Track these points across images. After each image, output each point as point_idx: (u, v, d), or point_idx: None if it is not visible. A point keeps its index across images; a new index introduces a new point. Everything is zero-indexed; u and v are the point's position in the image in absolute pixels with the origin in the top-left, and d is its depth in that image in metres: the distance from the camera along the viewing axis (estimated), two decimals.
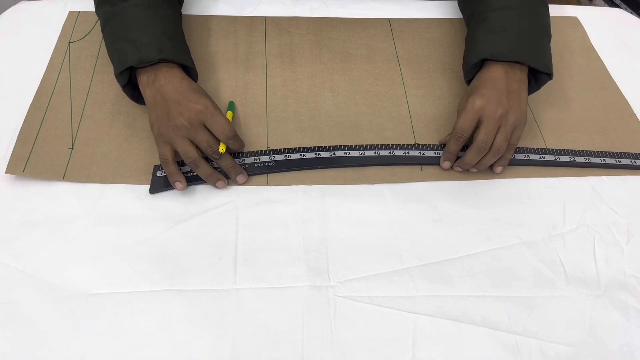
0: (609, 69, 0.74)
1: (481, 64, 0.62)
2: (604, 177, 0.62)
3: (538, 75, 0.62)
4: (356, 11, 0.79)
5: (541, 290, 0.53)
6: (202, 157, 0.56)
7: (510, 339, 0.49)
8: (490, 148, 0.57)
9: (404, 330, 0.49)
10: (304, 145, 0.62)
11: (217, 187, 0.58)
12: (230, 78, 0.69)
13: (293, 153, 0.61)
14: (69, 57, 0.69)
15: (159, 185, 0.57)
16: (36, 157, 0.58)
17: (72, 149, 0.60)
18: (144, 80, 0.58)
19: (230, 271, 0.52)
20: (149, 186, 0.57)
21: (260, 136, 0.63)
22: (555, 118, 0.68)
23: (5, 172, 0.57)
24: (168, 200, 0.57)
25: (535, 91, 0.64)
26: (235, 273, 0.52)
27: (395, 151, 0.62)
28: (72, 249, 0.52)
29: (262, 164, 0.60)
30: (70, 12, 0.75)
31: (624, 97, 0.71)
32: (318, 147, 0.62)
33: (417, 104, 0.68)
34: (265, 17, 0.77)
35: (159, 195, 0.57)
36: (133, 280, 0.51)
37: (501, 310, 0.51)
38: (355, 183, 0.60)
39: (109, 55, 0.61)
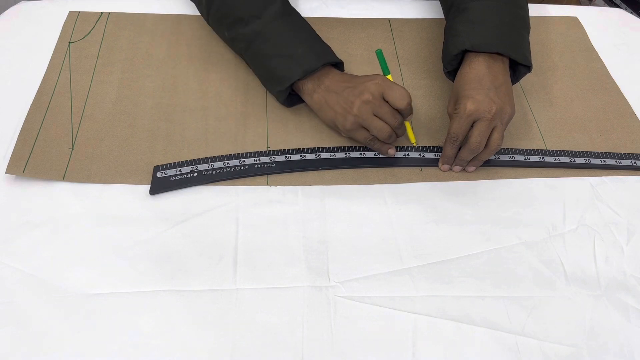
0: (609, 69, 0.74)
1: (462, 55, 0.62)
2: (604, 178, 0.62)
3: (517, 68, 0.62)
4: (356, 11, 0.79)
5: (541, 290, 0.53)
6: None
7: (510, 339, 0.49)
8: (485, 146, 0.57)
9: (404, 330, 0.49)
10: (304, 146, 0.62)
11: (389, 154, 0.60)
12: (231, 78, 0.69)
13: (293, 154, 0.61)
14: (69, 57, 0.69)
15: (160, 186, 0.57)
16: (36, 157, 0.58)
17: (72, 149, 0.60)
18: (310, 87, 0.61)
19: (230, 271, 0.52)
20: (148, 186, 0.57)
21: (260, 136, 0.63)
22: (555, 118, 0.68)
23: (5, 172, 0.57)
24: (168, 201, 0.57)
25: (514, 84, 0.63)
26: (236, 273, 0.52)
27: (395, 153, 0.62)
28: (72, 249, 0.52)
29: (262, 165, 0.60)
30: (70, 12, 0.75)
31: (624, 97, 0.71)
32: (318, 148, 0.62)
33: (417, 104, 0.68)
34: None
35: (159, 196, 0.57)
36: (133, 280, 0.51)
37: (501, 310, 0.51)
38: (355, 183, 0.60)
39: (258, 74, 0.65)
